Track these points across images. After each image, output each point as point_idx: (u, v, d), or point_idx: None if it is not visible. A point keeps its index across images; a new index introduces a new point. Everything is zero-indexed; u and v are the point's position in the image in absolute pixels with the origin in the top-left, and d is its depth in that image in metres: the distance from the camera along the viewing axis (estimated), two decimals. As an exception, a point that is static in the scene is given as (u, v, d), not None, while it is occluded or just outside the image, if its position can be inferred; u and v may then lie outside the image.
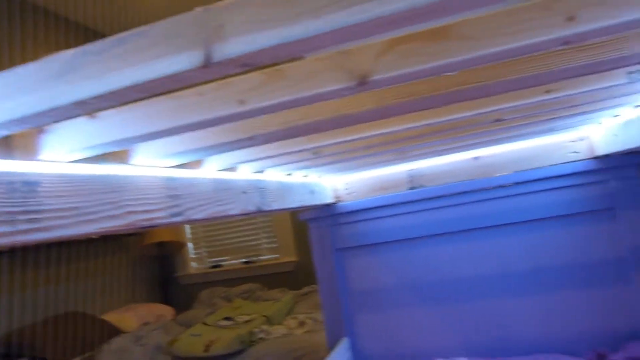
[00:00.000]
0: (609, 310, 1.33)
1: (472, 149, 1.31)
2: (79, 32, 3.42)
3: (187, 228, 3.96)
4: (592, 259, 1.35)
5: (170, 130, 0.45)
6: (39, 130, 0.49)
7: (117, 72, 0.29)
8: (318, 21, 0.25)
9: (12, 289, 2.71)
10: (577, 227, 1.36)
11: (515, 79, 0.49)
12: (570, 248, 1.36)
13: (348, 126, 0.57)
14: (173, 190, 0.68)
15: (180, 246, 3.85)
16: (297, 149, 0.75)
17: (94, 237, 3.22)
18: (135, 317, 3.02)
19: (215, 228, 3.91)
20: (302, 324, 2.38)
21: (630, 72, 0.62)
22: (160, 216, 0.65)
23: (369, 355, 1.49)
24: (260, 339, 2.32)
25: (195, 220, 0.76)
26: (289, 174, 1.16)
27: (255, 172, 0.98)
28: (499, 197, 1.40)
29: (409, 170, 1.48)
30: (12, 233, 0.39)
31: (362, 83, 0.38)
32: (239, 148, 0.60)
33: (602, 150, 1.28)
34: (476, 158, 1.44)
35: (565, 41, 0.36)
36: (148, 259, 3.85)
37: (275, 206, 1.03)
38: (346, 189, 1.54)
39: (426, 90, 0.50)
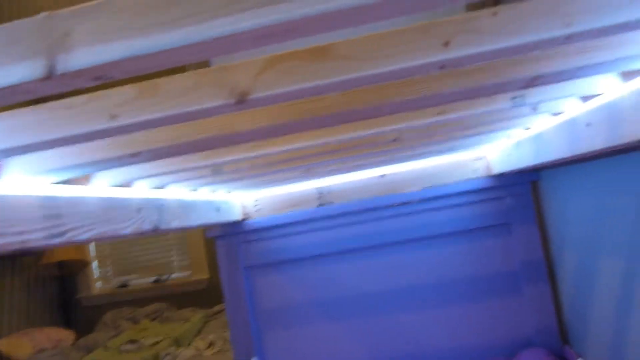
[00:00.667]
0: (505, 321, 1.40)
1: (377, 166, 1.33)
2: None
3: (92, 245, 3.74)
4: (489, 272, 1.41)
5: (38, 145, 0.41)
6: None
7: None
8: (172, 34, 0.23)
9: None
10: (476, 242, 1.42)
11: (405, 100, 0.50)
12: (470, 262, 1.42)
13: (241, 143, 0.55)
14: (52, 210, 0.62)
15: (83, 265, 3.62)
16: (193, 165, 0.72)
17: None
18: (31, 342, 2.79)
19: (123, 244, 3.71)
20: (211, 344, 2.31)
21: (514, 97, 0.65)
22: (35, 238, 0.59)
23: (277, 375, 1.47)
24: (167, 362, 2.21)
25: (81, 241, 0.71)
26: (194, 190, 1.12)
27: (155, 189, 0.93)
28: (405, 214, 1.44)
29: (318, 187, 1.49)
30: None
31: (241, 101, 0.36)
32: (124, 164, 0.56)
33: (497, 169, 1.35)
34: (382, 175, 1.47)
35: (442, 65, 0.36)
36: (47, 279, 3.58)
37: (175, 224, 0.98)
38: (255, 205, 1.51)
39: (319, 109, 0.50)
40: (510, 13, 0.35)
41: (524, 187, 1.40)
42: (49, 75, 0.24)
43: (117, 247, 3.71)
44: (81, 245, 3.68)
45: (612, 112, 0.70)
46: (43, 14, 0.25)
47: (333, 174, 1.32)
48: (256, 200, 1.51)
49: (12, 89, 0.25)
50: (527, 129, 1.06)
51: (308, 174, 1.16)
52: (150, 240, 3.68)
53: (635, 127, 0.65)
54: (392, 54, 0.35)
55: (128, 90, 0.37)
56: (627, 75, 0.64)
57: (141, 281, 3.64)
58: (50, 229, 0.61)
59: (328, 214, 1.45)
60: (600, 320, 1.12)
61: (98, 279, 3.72)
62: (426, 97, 0.50)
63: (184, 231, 1.02)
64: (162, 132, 0.51)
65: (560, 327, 1.37)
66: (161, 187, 0.95)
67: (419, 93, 0.48)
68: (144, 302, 3.42)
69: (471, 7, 1.51)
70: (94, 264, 3.72)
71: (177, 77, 0.37)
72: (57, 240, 0.63)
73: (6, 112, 0.41)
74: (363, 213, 1.45)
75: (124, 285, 3.63)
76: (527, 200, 1.39)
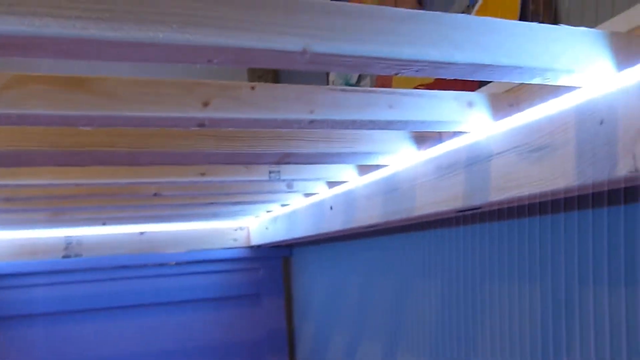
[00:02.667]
0: (242, 392, 1.42)
1: (138, 222, 1.29)
2: None
3: None
4: (236, 340, 1.43)
5: None
6: None
7: None
8: None
9: None
10: (226, 310, 1.44)
11: (166, 152, 0.51)
12: (221, 329, 1.42)
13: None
14: None
15: None
16: None
17: None
18: None
19: None
20: None
21: (271, 172, 0.72)
22: None
23: None
24: None
25: None
26: None
27: None
28: (160, 276, 1.39)
29: (67, 236, 1.36)
30: None
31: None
32: None
33: (256, 241, 1.43)
34: (142, 233, 1.41)
35: (201, 122, 0.39)
36: None
37: None
38: (-16, 248, 1.30)
39: (74, 144, 0.48)
40: (266, 90, 0.40)
41: (276, 261, 1.49)
42: None
43: None
44: None
45: (349, 199, 0.82)
46: None
47: (86, 224, 1.22)
48: (-13, 243, 1.31)
49: None
50: (284, 205, 1.16)
51: (55, 219, 1.06)
52: None
53: (365, 214, 0.76)
54: (156, 101, 0.37)
55: None
56: (363, 169, 0.76)
57: None
58: None
59: (75, 267, 1.33)
60: (325, 390, 1.22)
61: None
62: (187, 153, 0.52)
63: None
64: None
65: (292, 398, 1.45)
66: None
67: (180, 148, 0.50)
68: None
69: (252, 75, 1.63)
70: None
71: None
72: None
73: None
74: (116, 270, 1.36)
75: None
76: (278, 273, 1.48)
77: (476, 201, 0.50)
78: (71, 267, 1.32)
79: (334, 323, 1.19)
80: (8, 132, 0.46)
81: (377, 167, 0.73)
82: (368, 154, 0.61)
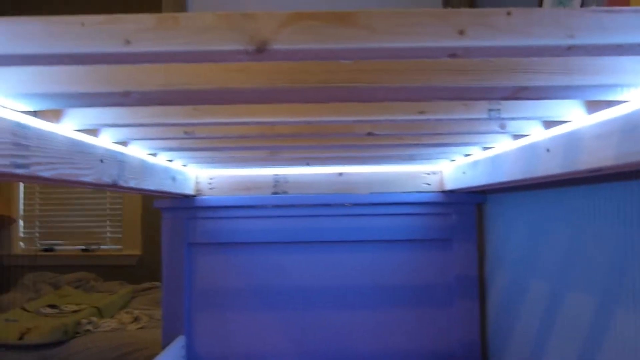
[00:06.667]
0: (432, 331, 1.45)
1: (339, 164, 1.36)
2: None
3: (21, 203, 3.55)
4: (424, 282, 1.46)
5: (38, 58, 0.40)
6: None
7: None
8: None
9: None
10: (416, 252, 1.47)
11: (396, 87, 0.52)
12: (408, 271, 1.46)
13: (231, 103, 0.56)
14: (21, 139, 0.60)
15: (9, 222, 3.44)
16: (169, 121, 0.71)
17: None
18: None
19: (54, 207, 3.55)
20: (136, 319, 2.25)
21: (491, 110, 0.69)
22: (0, 164, 0.57)
23: (204, 354, 1.45)
24: (87, 331, 2.14)
25: (42, 179, 0.68)
26: (153, 154, 1.10)
27: (117, 143, 0.91)
28: (354, 215, 1.47)
29: (275, 175, 1.49)
30: None
31: (260, 50, 0.37)
32: (110, 104, 0.55)
33: (450, 186, 1.41)
34: (340, 174, 1.49)
35: (453, 52, 0.39)
36: (-34, 231, 3.38)
37: (133, 184, 0.96)
38: (209, 183, 1.50)
39: (316, 80, 0.51)
40: (523, 15, 0.38)
41: (470, 207, 1.46)
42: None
43: (48, 208, 3.55)
44: (9, 200, 3.50)
45: (572, 141, 0.75)
46: None
47: (294, 164, 1.33)
48: (211, 178, 1.50)
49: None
50: (486, 149, 1.12)
51: (271, 158, 1.17)
52: (85, 206, 3.55)
53: (593, 156, 0.70)
54: (409, 32, 0.37)
55: (146, 18, 0.38)
56: (592, 106, 0.69)
57: (68, 248, 3.50)
58: (17, 157, 0.59)
59: (281, 203, 1.46)
60: (521, 341, 1.19)
61: (22, 239, 3.55)
62: (415, 87, 0.52)
63: (138, 193, 0.99)
64: (156, 75, 0.51)
65: (482, 344, 1.44)
66: (124, 142, 0.93)
67: (414, 82, 0.50)
68: (68, 270, 3.28)
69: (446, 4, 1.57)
70: (20, 223, 3.55)
71: (198, 15, 0.38)
72: (20, 171, 0.61)
73: (10, 18, 0.39)
74: (315, 207, 1.47)
75: (49, 249, 3.48)
76: (471, 219, 1.46)
77: None
78: (278, 203, 1.46)
79: (532, 273, 1.14)
80: (258, 70, 0.51)
81: (611, 103, 0.66)
82: (611, 86, 0.55)
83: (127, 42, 0.37)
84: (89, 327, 2.15)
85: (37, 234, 3.55)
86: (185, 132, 0.81)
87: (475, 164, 1.20)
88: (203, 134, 0.80)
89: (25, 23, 0.39)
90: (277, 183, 1.50)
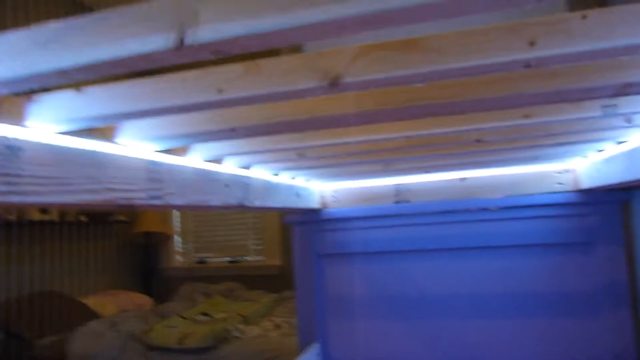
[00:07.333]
0: (577, 342, 1.35)
1: (457, 169, 1.33)
2: (68, 2, 3.45)
3: (177, 221, 3.97)
4: (563, 289, 1.37)
5: (151, 112, 0.47)
6: (28, 98, 0.51)
7: (95, 47, 0.31)
8: (285, 17, 0.27)
9: (-6, 263, 2.72)
10: (552, 257, 1.38)
11: (488, 98, 0.52)
12: (545, 277, 1.38)
13: (326, 128, 0.59)
14: (155, 174, 0.69)
15: (167, 238, 3.86)
16: (281, 147, 0.77)
17: (83, 219, 3.21)
18: (115, 303, 3.02)
19: (204, 224, 3.92)
20: (278, 326, 2.39)
21: (604, 106, 0.64)
22: (139, 197, 0.67)
23: (338, 362, 1.50)
24: (235, 337, 2.32)
25: (175, 206, 0.78)
26: (276, 174, 1.18)
27: (241, 167, 1.00)
28: (481, 220, 1.42)
29: (396, 184, 1.50)
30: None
31: (334, 84, 0.40)
32: (221, 139, 0.62)
33: (586, 184, 1.30)
34: (463, 179, 1.46)
35: (527, 64, 0.38)
36: (134, 247, 3.86)
37: (258, 203, 1.04)
38: (333, 196, 1.56)
39: (404, 100, 0.53)
40: (600, 16, 0.36)
41: (612, 206, 1.34)
42: (179, 47, 0.29)
43: (200, 225, 3.92)
44: (167, 219, 3.92)
45: None
46: (177, -5, 0.30)
47: (412, 172, 1.33)
48: (334, 191, 1.56)
49: (147, 57, 0.30)
50: (620, 143, 1.02)
51: (386, 169, 1.19)
52: (230, 222, 3.85)
53: None
54: (478, 50, 0.37)
55: (235, 68, 0.42)
56: None
57: (217, 260, 3.83)
58: (152, 191, 0.69)
59: (404, 212, 1.47)
60: (682, 353, 1.06)
61: (179, 253, 3.95)
62: (508, 96, 0.51)
63: (265, 211, 1.08)
64: (257, 110, 0.56)
65: (638, 355, 1.30)
66: (247, 166, 1.01)
67: (502, 92, 0.49)
68: (218, 280, 3.60)
69: (575, 6, 1.46)
70: (177, 239, 3.95)
71: (277, 60, 0.41)
72: (156, 202, 0.70)
73: (128, 81, 0.47)
74: (439, 215, 1.45)
75: (202, 262, 3.84)
76: (614, 219, 1.33)
77: None
78: (401, 212, 1.47)
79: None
80: (347, 96, 0.54)
81: None
82: None
83: (220, 90, 0.42)
84: (237, 333, 2.33)
85: (192, 249, 3.94)
86: (298, 154, 0.86)
87: (610, 159, 1.10)
88: (313, 154, 0.85)
89: (137, 84, 0.46)
90: (399, 192, 1.51)
